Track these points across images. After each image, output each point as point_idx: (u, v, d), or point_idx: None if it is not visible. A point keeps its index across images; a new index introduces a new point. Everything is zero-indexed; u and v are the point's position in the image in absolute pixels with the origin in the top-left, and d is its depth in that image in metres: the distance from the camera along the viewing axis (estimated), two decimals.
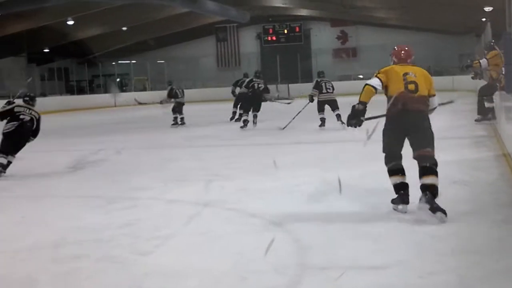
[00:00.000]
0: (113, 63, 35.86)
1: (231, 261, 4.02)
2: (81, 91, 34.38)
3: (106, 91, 30.01)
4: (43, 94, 31.73)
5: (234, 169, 8.03)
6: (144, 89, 36.48)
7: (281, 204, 5.73)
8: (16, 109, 8.66)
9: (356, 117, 5.16)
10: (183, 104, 15.92)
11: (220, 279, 3.70)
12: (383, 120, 5.15)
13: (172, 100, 15.82)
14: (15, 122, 8.47)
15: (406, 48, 5.48)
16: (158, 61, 35.60)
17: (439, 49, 30.89)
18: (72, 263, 4.13)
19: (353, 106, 5.22)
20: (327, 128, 12.93)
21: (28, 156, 11.09)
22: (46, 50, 32.42)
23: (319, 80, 13.89)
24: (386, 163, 5.23)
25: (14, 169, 9.20)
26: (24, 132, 8.56)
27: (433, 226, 4.58)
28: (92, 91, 34.75)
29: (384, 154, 5.25)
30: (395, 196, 5.16)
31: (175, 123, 15.60)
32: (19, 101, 9.17)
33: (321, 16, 34.52)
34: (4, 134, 8.49)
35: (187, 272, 3.86)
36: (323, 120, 13.13)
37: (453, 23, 28.23)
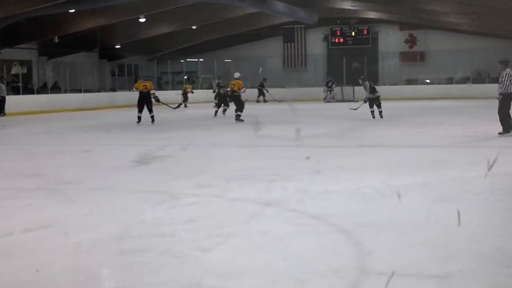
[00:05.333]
0: (182, 60, 36.40)
1: (291, 262, 4.04)
2: None
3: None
4: (113, 89, 32.56)
5: (296, 169, 8.04)
6: (211, 87, 36.93)
7: (342, 207, 5.71)
8: None
9: None
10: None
11: (278, 279, 3.72)
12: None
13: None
14: None
15: None
16: (225, 60, 35.93)
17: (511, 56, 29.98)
18: (135, 256, 4.21)
19: None
20: (390, 133, 12.84)
21: (96, 149, 11.46)
22: (118, 46, 33.20)
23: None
24: None
25: (84, 161, 9.51)
26: None
27: (497, 237, 4.48)
28: (160, 87, 35.38)
29: None
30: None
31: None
32: None
33: (389, 19, 34.08)
34: None
35: (246, 270, 3.89)
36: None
37: None
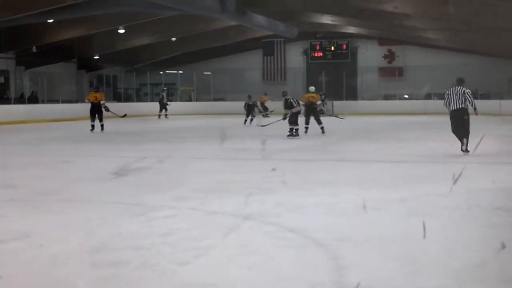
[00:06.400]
0: (161, 72, 36.37)
1: (269, 275, 4.02)
2: (128, 99, 34.96)
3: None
4: None
5: (274, 183, 8.03)
6: (190, 100, 36.90)
7: (320, 220, 5.71)
8: None
9: None
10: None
11: None
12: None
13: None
14: None
15: None
16: (205, 72, 35.95)
17: (488, 73, 30.40)
18: (112, 269, 4.17)
19: None
20: (368, 148, 12.93)
21: (73, 160, 11.36)
22: (96, 57, 33.07)
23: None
24: None
25: (60, 172, 9.41)
26: None
27: (475, 253, 4.50)
28: (139, 99, 35.28)
29: None
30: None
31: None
32: None
33: (368, 34, 34.41)
34: None
35: (224, 284, 3.87)
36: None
37: (503, 47, 27.78)
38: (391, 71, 35.94)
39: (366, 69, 36.05)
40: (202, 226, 5.53)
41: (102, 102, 18.62)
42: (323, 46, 37.37)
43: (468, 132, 10.92)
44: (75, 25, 25.52)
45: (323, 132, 16.28)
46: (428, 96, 33.22)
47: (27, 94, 29.26)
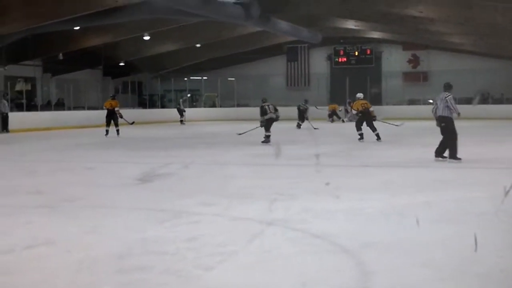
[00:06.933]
0: (185, 78, 36.54)
1: (293, 281, 4.01)
2: (153, 105, 35.18)
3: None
4: None
5: (299, 188, 8.02)
6: (214, 106, 37.04)
7: (345, 226, 5.69)
8: None
9: None
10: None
11: None
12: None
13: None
14: None
15: None
16: (229, 78, 36.05)
17: None
18: (136, 274, 4.19)
19: None
20: (392, 153, 12.85)
21: (99, 166, 11.46)
22: (122, 64, 33.33)
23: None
24: None
25: (86, 178, 9.50)
26: None
27: (500, 259, 4.45)
28: (163, 105, 35.48)
29: None
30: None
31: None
32: None
33: (393, 39, 34.22)
34: None
35: None
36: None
37: None
38: (416, 76, 35.67)
39: (391, 74, 35.84)
40: (227, 232, 5.54)
41: (116, 109, 19.71)
42: (347, 51, 37.25)
43: (449, 140, 10.57)
44: (101, 32, 25.77)
45: (378, 138, 15.55)
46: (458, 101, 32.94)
47: (53, 101, 29.60)
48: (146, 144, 16.58)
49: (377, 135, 15.67)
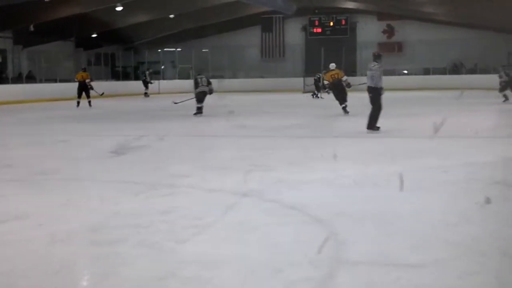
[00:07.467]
0: (159, 50, 36.17)
1: (268, 252, 4.03)
2: (126, 77, 34.81)
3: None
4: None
5: (273, 160, 8.04)
6: (188, 77, 36.80)
7: (319, 197, 5.72)
8: None
9: None
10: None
11: (255, 270, 3.71)
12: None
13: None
14: None
15: None
16: (203, 50, 35.76)
17: (488, 47, 30.24)
18: (110, 247, 4.18)
19: None
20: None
21: (72, 139, 11.35)
22: (94, 36, 32.87)
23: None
24: None
25: (59, 152, 9.40)
26: None
27: (473, 227, 4.51)
28: (137, 77, 35.16)
29: None
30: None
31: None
32: None
33: (367, 9, 34.18)
34: None
35: (223, 261, 3.87)
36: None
37: (503, 21, 27.62)
38: (391, 46, 35.72)
39: (366, 44, 35.83)
40: (201, 204, 5.53)
41: (87, 80, 20.64)
42: (322, 21, 37.12)
43: (374, 110, 10.62)
44: (72, 3, 25.35)
45: (345, 112, 15.16)
46: (427, 71, 33.13)
47: (24, 74, 29.13)
48: (120, 117, 16.44)
49: (344, 108, 15.28)
